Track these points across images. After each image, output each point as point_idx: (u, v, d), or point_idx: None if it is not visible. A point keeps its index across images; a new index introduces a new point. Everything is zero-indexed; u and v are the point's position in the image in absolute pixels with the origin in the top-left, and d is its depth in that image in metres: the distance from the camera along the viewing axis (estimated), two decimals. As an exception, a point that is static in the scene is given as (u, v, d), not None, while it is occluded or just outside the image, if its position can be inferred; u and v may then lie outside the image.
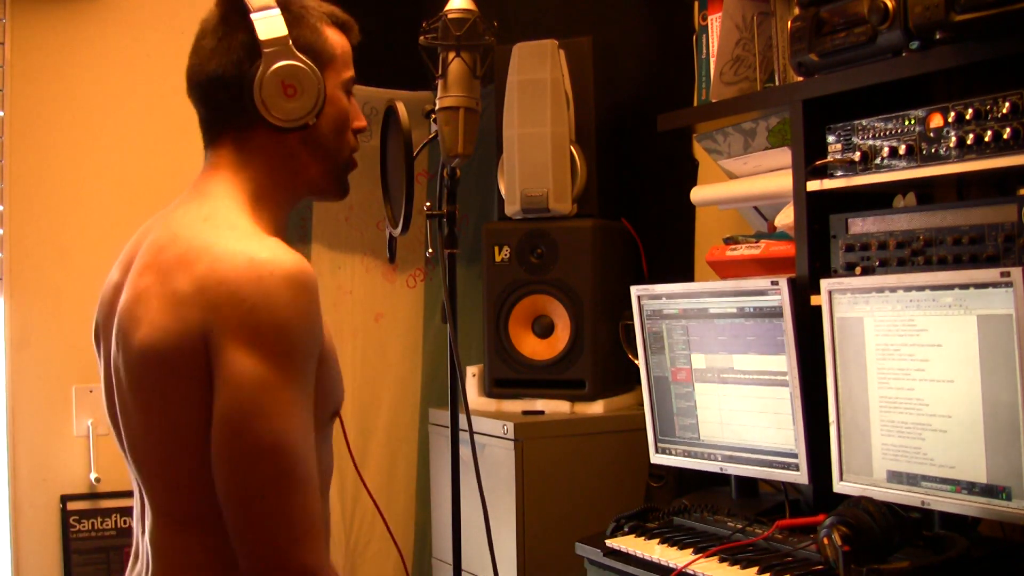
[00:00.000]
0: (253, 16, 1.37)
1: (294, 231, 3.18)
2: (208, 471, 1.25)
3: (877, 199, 2.12)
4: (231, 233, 1.30)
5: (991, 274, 1.71)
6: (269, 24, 1.37)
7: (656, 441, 2.45)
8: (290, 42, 1.37)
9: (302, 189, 1.47)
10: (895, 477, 1.89)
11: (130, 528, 1.55)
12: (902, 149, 1.89)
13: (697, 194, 2.64)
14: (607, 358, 2.79)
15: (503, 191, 2.85)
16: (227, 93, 1.39)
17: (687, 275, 2.92)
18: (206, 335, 1.24)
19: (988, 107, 1.76)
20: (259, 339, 1.23)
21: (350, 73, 1.48)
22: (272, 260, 1.26)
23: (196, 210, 1.36)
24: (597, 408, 2.75)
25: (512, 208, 2.81)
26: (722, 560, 1.92)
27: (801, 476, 2.12)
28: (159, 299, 1.27)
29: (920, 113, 1.88)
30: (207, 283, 1.25)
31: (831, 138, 2.05)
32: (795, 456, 2.13)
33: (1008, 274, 1.68)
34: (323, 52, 1.43)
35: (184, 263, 1.27)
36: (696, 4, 2.57)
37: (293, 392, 1.25)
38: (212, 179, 1.41)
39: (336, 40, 1.46)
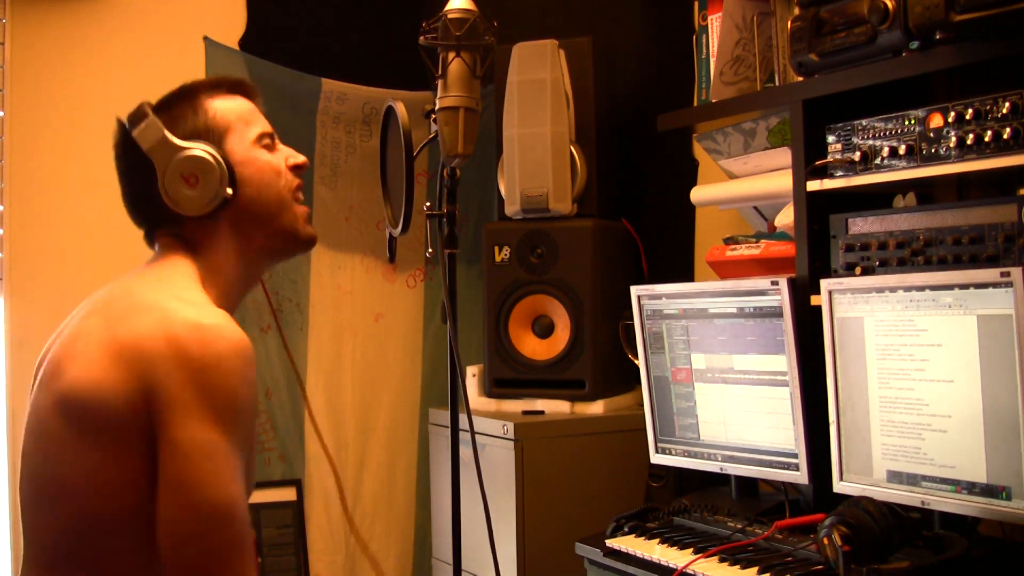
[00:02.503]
0: (133, 133, 1.42)
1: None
2: (100, 525, 1.27)
3: (877, 199, 2.12)
4: (183, 297, 1.34)
5: (991, 274, 1.71)
6: (147, 134, 1.41)
7: (656, 441, 2.45)
8: (170, 138, 1.41)
9: (260, 257, 1.50)
10: (895, 477, 1.89)
11: None
12: (902, 149, 1.89)
13: (697, 194, 2.64)
14: (607, 358, 2.79)
15: (503, 191, 2.85)
16: (149, 206, 1.44)
17: (687, 275, 2.92)
18: (148, 393, 1.25)
19: (988, 107, 1.76)
20: (210, 404, 1.25)
21: (258, 129, 1.50)
22: (218, 327, 1.28)
23: (151, 276, 1.40)
24: (597, 408, 2.75)
25: (512, 208, 2.81)
26: (722, 560, 1.92)
27: (801, 476, 2.12)
28: (100, 343, 1.29)
29: (920, 113, 1.88)
30: (154, 338, 1.26)
31: (831, 138, 2.05)
32: (795, 456, 2.13)
33: (1008, 274, 1.68)
34: (214, 126, 1.46)
35: (132, 314, 1.30)
36: (696, 4, 2.57)
37: (237, 459, 1.27)
38: (165, 259, 1.45)
39: (228, 107, 1.49)
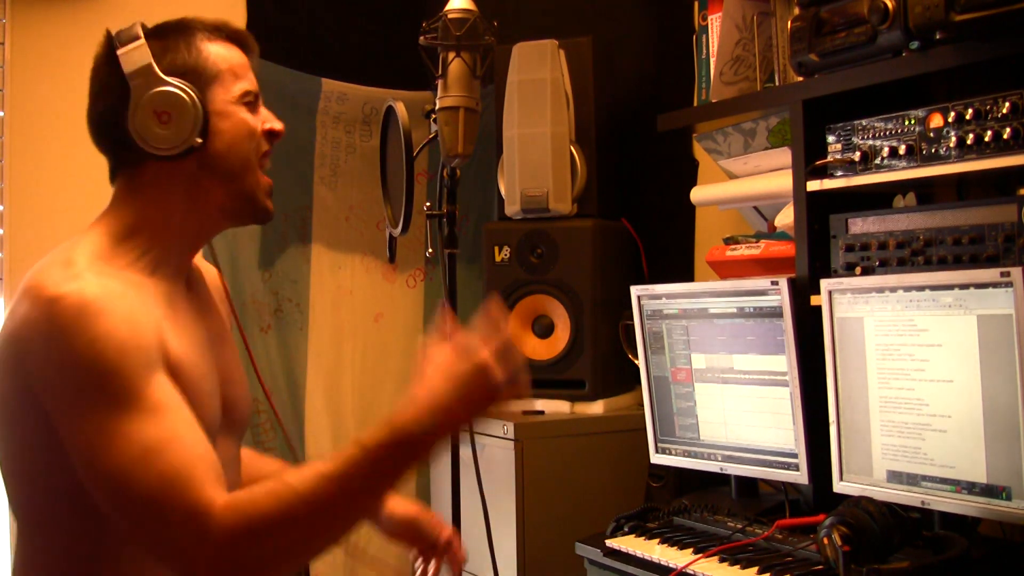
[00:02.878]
0: (119, 52, 1.38)
1: (294, 231, 3.18)
2: (44, 479, 1.31)
3: (877, 199, 2.12)
4: (58, 272, 1.29)
5: (991, 274, 1.71)
6: (132, 56, 1.37)
7: (656, 441, 2.45)
8: (155, 69, 1.36)
9: (216, 215, 1.45)
10: (895, 477, 1.89)
11: None
12: (902, 149, 1.89)
13: (697, 194, 2.64)
14: (607, 358, 2.78)
15: (503, 191, 2.85)
16: (112, 133, 1.40)
17: (687, 275, 2.92)
18: (28, 380, 1.27)
19: (988, 107, 1.76)
20: (68, 378, 1.24)
21: (245, 86, 1.44)
22: (70, 295, 1.24)
23: (59, 249, 1.37)
24: (597, 408, 2.75)
25: (512, 208, 2.81)
26: (722, 560, 1.92)
27: (801, 476, 2.12)
28: (2, 331, 1.32)
29: (920, 113, 1.87)
30: (24, 323, 1.27)
31: (831, 138, 2.05)
32: (795, 456, 2.13)
33: (1008, 274, 1.67)
34: (203, 71, 1.40)
35: (21, 297, 1.30)
36: (696, 4, 2.57)
37: (121, 414, 1.23)
38: (98, 220, 1.42)
39: (221, 55, 1.43)
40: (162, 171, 1.39)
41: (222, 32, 1.46)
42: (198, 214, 1.43)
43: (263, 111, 1.49)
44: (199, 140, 1.37)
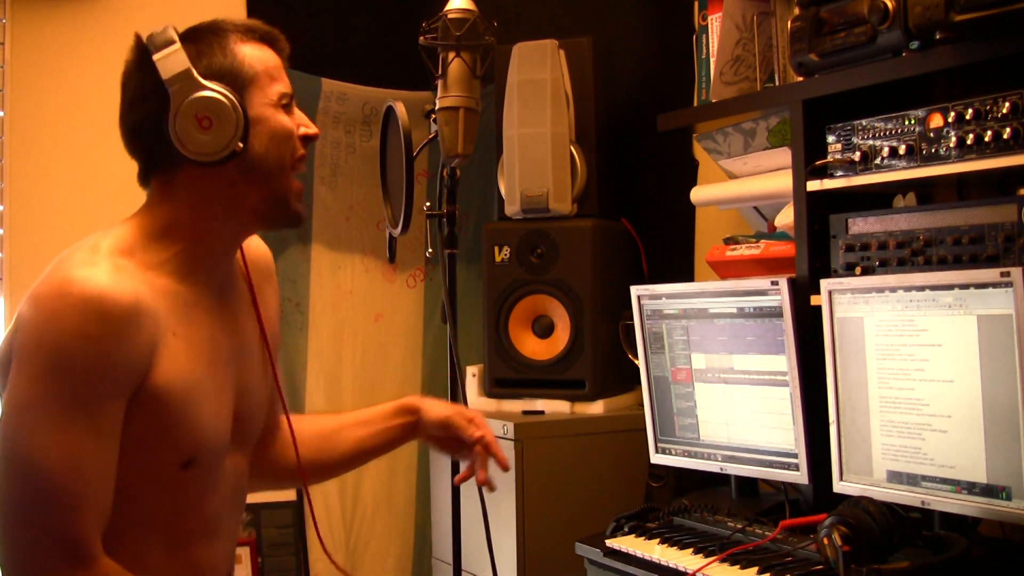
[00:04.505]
0: (155, 57, 1.35)
1: (293, 231, 3.18)
2: None
3: (877, 199, 2.12)
4: (81, 255, 1.32)
5: (991, 274, 1.71)
6: (169, 61, 1.35)
7: (656, 441, 2.45)
8: (195, 74, 1.35)
9: (248, 219, 1.44)
10: (895, 477, 1.89)
11: None
12: (902, 149, 1.89)
13: (697, 194, 2.64)
14: (607, 358, 2.78)
15: (503, 191, 2.85)
16: (150, 139, 1.38)
17: (687, 275, 2.92)
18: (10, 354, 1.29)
19: (988, 107, 1.76)
20: (28, 355, 1.25)
21: (281, 88, 1.43)
22: (78, 282, 1.26)
23: (93, 235, 1.38)
24: (597, 408, 2.75)
25: (512, 208, 2.81)
26: (723, 560, 1.92)
27: (801, 476, 2.12)
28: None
29: (920, 113, 1.87)
30: (25, 305, 1.30)
31: (831, 138, 2.05)
32: (795, 456, 2.13)
33: (1008, 274, 1.67)
34: (240, 74, 1.39)
35: (41, 280, 1.32)
36: (696, 4, 2.57)
37: (53, 412, 1.23)
38: (132, 216, 1.43)
39: (256, 57, 1.42)
40: (199, 175, 1.38)
41: (255, 33, 1.44)
42: (233, 219, 1.42)
43: (297, 113, 1.47)
44: (240, 145, 1.35)
